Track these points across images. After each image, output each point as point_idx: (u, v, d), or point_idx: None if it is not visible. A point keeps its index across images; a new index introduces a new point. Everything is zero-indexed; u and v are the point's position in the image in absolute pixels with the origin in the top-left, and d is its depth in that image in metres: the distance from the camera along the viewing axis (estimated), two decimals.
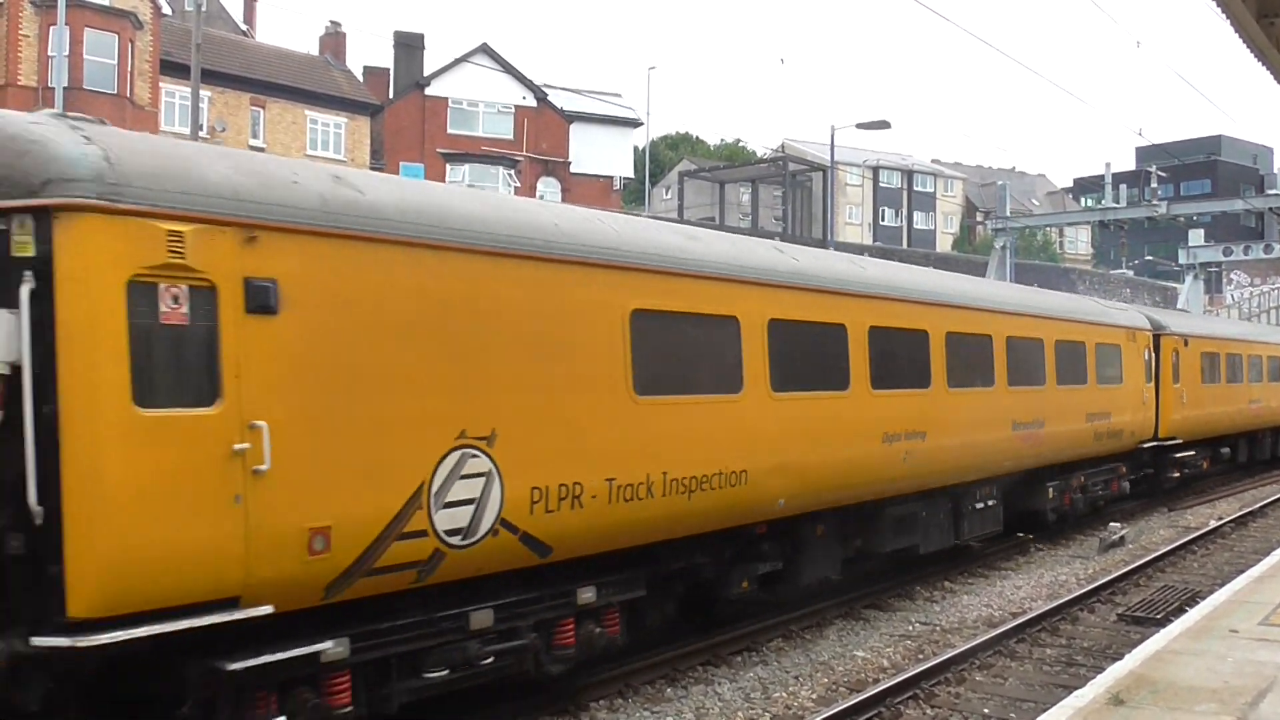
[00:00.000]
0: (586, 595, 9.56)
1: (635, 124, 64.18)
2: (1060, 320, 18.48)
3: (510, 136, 56.96)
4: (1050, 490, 18.65)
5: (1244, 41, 10.84)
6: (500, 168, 55.61)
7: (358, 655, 7.70)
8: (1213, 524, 21.25)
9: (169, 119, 43.98)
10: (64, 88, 34.00)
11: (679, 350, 10.39)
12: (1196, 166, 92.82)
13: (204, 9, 31.91)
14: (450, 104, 56.08)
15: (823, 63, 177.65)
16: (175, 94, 44.14)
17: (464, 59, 56.72)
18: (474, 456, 8.20)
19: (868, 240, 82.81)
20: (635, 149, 67.89)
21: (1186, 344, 24.06)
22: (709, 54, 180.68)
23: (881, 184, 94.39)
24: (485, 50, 57.52)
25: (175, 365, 6.66)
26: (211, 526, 6.67)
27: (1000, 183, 62.87)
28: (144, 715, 7.13)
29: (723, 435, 10.61)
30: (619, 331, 9.53)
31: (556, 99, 59.56)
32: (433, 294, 8.01)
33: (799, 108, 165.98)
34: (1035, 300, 18.95)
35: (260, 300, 6.95)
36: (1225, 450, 27.75)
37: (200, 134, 33.02)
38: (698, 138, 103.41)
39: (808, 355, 12.03)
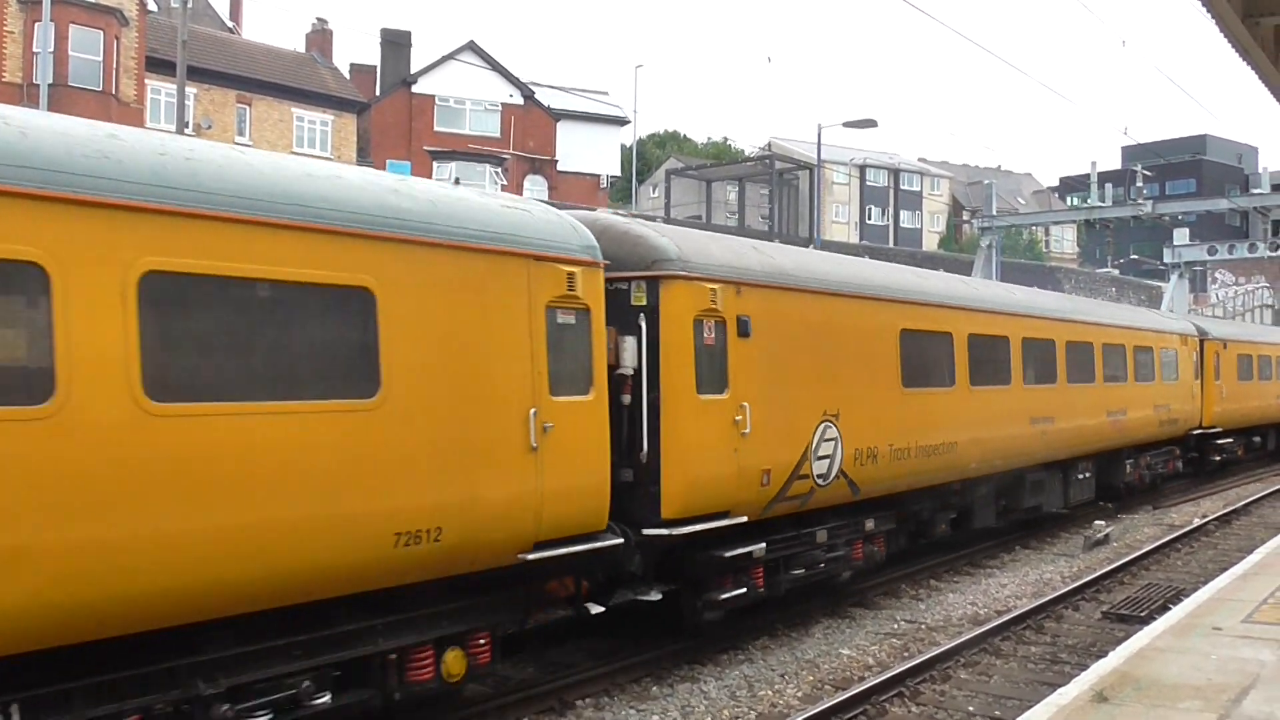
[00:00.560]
0: (869, 524, 13.83)
1: (622, 122, 64.20)
2: (1136, 329, 23.16)
3: (497, 134, 56.91)
4: (1128, 466, 22.91)
5: (1229, 41, 10.88)
6: (487, 166, 55.55)
7: (768, 554, 11.85)
8: (1197, 522, 21.35)
9: (154, 116, 43.79)
10: (49, 84, 33.86)
11: (924, 356, 14.77)
12: (1182, 166, 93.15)
13: (190, 5, 31.79)
14: (437, 102, 56.01)
15: (810, 61, 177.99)
16: (161, 91, 43.95)
17: (451, 56, 56.65)
18: (830, 427, 12.58)
19: (854, 239, 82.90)
20: (622, 147, 67.91)
21: (1225, 347, 28.38)
22: (696, 52, 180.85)
23: (868, 183, 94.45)
24: (472, 48, 57.45)
25: (710, 369, 10.91)
26: (724, 466, 10.98)
27: (986, 181, 63.08)
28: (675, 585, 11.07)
29: (945, 417, 15.09)
30: (894, 344, 14.02)
31: (544, 97, 59.51)
32: (811, 322, 12.50)
33: (786, 106, 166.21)
34: (1119, 315, 23.89)
35: (743, 329, 11.34)
36: (1257, 439, 31.98)
37: (185, 131, 32.88)
38: (685, 136, 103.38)
39: (989, 360, 16.55)
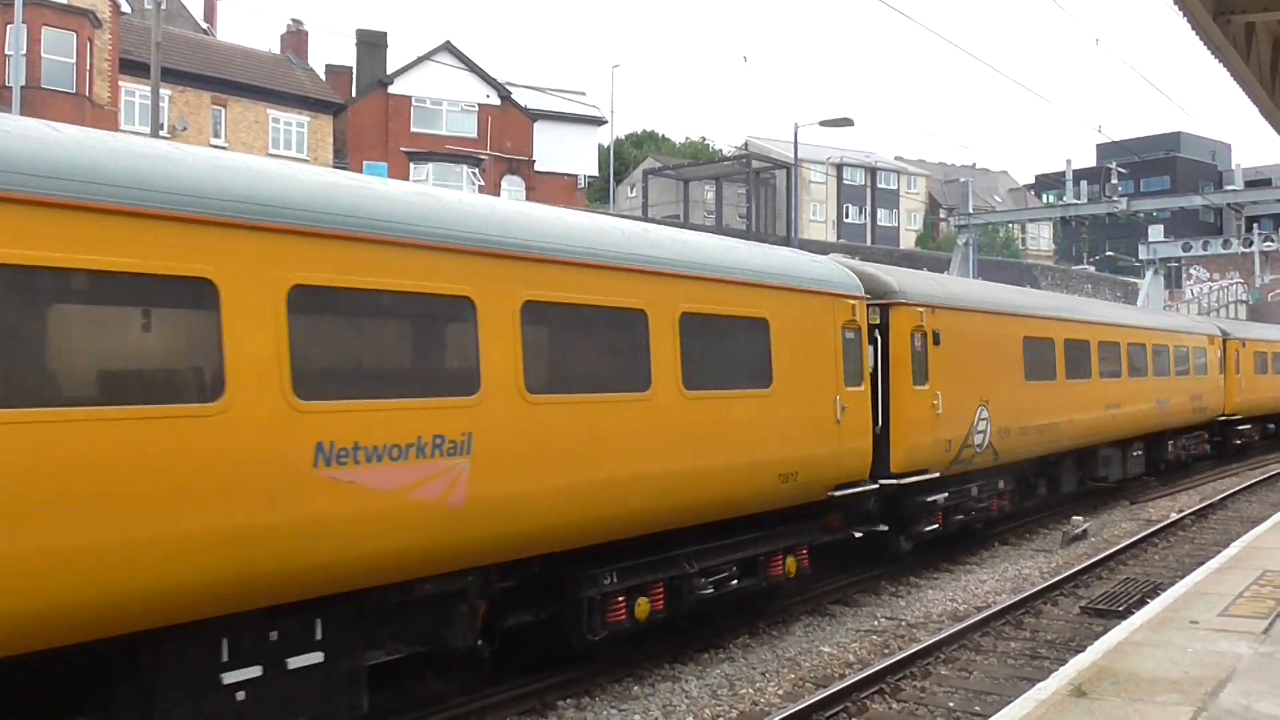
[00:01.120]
0: (1001, 484, 18.30)
1: (600, 122, 64.09)
2: (1176, 332, 28.08)
3: (474, 135, 56.73)
4: (1169, 446, 27.43)
5: (1201, 39, 10.93)
6: (464, 166, 55.37)
7: (947, 502, 16.32)
8: (1173, 517, 21.50)
9: (129, 118, 43.49)
10: (21, 87, 33.56)
11: (1037, 357, 19.30)
12: (1156, 163, 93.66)
13: (164, 7, 31.59)
14: (414, 102, 55.78)
15: (786, 61, 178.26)
16: (135, 93, 43.66)
17: (427, 57, 56.43)
18: (984, 410, 17.06)
19: (831, 237, 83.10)
20: (600, 147, 67.79)
21: (1244, 346, 33.09)
22: (673, 52, 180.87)
23: (845, 181, 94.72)
24: (448, 48, 57.24)
25: (918, 367, 15.41)
26: (926, 437, 15.48)
27: (963, 180, 63.30)
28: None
29: (1050, 403, 19.62)
30: (1019, 348, 18.62)
31: (520, 97, 59.37)
32: (972, 332, 16.99)
33: (763, 105, 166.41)
34: (1165, 320, 29.53)
35: (936, 339, 15.76)
36: (1271, 425, 36.63)
37: (160, 133, 32.66)
38: (662, 136, 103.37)
39: (1077, 358, 21.15)
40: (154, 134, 29.43)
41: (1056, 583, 15.34)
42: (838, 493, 13.16)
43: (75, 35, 38.81)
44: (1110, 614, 13.55)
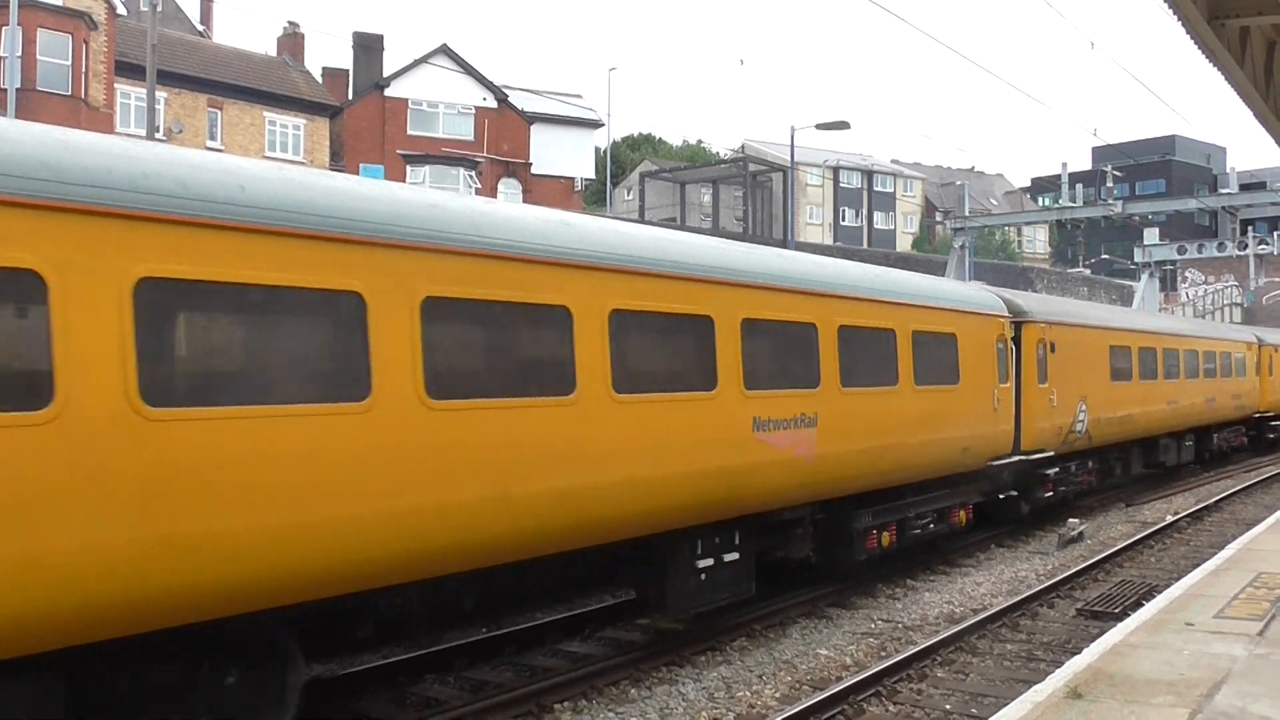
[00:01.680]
0: (1090, 465, 22.14)
1: (596, 125, 64.12)
2: (1221, 339, 32.32)
3: (471, 138, 56.75)
4: (1215, 438, 31.43)
5: (1195, 43, 10.97)
6: (461, 169, 55.39)
7: (1056, 476, 20.20)
8: (1169, 519, 21.51)
9: (124, 120, 43.50)
10: (16, 89, 33.55)
11: (1119, 361, 23.35)
12: (1151, 166, 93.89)
13: (159, 9, 31.56)
14: (410, 105, 55.80)
15: (782, 64, 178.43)
16: (131, 95, 43.67)
17: (424, 60, 56.45)
18: (1083, 404, 20.75)
19: (828, 240, 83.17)
20: (597, 150, 67.85)
21: (1277, 350, 37.56)
22: (670, 55, 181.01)
23: (842, 184, 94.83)
24: (445, 51, 57.27)
25: (1041, 370, 19.16)
26: (1045, 423, 19.27)
27: (959, 183, 63.39)
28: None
29: (1128, 399, 23.57)
30: (1106, 354, 22.72)
31: (517, 100, 59.40)
32: (1074, 342, 20.54)
33: (759, 109, 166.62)
34: (1213, 330, 34.90)
35: (1052, 348, 19.44)
36: None
37: (156, 135, 32.63)
38: (659, 139, 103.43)
39: (1148, 362, 25.01)
40: (149, 136, 29.41)
41: (1053, 585, 15.33)
42: (995, 463, 17.46)
43: (70, 37, 38.82)
44: (1106, 616, 13.54)
